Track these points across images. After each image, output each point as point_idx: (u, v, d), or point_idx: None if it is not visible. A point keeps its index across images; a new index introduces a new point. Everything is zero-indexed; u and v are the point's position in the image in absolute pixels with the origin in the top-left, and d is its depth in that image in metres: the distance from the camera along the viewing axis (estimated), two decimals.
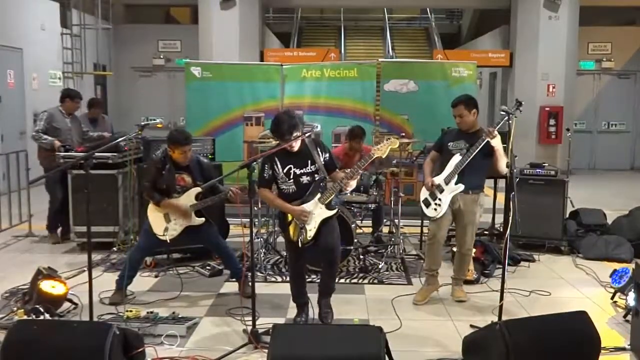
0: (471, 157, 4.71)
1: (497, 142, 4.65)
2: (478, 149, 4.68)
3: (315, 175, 4.26)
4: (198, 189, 4.93)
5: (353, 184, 4.26)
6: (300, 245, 4.25)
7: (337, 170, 4.37)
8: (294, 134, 4.11)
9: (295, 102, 8.06)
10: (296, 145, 4.17)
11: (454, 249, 5.48)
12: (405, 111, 7.99)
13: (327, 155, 4.32)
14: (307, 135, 4.25)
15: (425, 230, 6.51)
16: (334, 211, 4.34)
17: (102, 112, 7.72)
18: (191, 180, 4.97)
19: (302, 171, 4.24)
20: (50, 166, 6.51)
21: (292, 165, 4.23)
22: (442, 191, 4.86)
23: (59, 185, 6.64)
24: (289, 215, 4.27)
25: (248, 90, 8.23)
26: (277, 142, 4.33)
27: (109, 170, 6.37)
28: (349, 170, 4.28)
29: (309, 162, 4.24)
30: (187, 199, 4.91)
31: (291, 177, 4.24)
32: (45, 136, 6.69)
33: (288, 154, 4.21)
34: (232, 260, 5.12)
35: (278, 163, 4.24)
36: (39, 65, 11.34)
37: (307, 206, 4.22)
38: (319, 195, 4.24)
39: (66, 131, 6.83)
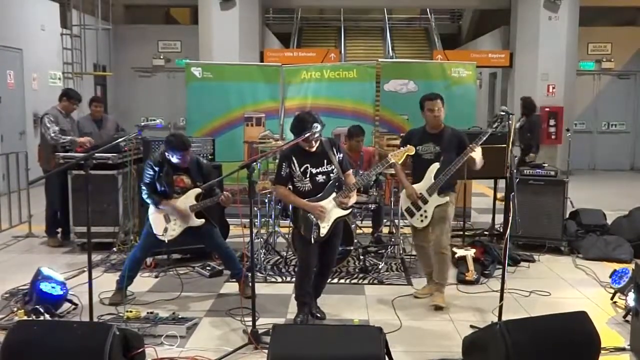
0: (452, 171, 4.74)
1: (477, 154, 4.71)
2: (459, 164, 4.72)
3: (331, 175, 4.37)
4: (198, 190, 4.93)
5: (352, 200, 4.40)
6: (312, 241, 4.32)
7: (350, 171, 4.48)
8: (317, 125, 4.21)
9: (296, 103, 8.06)
10: (315, 145, 4.29)
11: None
12: (405, 111, 7.97)
13: (341, 155, 4.45)
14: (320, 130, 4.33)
15: None
16: (348, 211, 4.46)
17: (102, 111, 7.45)
18: (190, 181, 4.97)
19: (318, 170, 4.35)
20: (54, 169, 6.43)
21: (308, 165, 4.34)
22: (426, 202, 4.87)
23: (59, 188, 6.56)
24: (300, 211, 4.34)
25: (248, 90, 8.22)
26: (286, 141, 4.38)
27: (109, 171, 6.37)
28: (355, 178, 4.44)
29: (325, 161, 4.36)
30: (187, 200, 4.91)
31: (307, 175, 4.34)
32: (63, 136, 6.62)
33: (305, 153, 4.32)
34: (233, 261, 5.11)
35: (295, 162, 4.34)
36: (39, 65, 11.34)
37: (323, 204, 4.31)
38: (334, 194, 4.34)
39: (69, 132, 6.80)
